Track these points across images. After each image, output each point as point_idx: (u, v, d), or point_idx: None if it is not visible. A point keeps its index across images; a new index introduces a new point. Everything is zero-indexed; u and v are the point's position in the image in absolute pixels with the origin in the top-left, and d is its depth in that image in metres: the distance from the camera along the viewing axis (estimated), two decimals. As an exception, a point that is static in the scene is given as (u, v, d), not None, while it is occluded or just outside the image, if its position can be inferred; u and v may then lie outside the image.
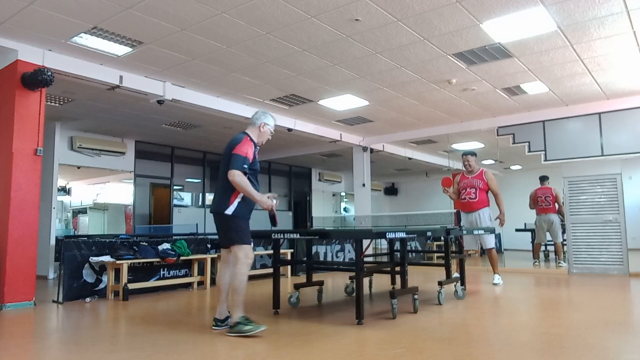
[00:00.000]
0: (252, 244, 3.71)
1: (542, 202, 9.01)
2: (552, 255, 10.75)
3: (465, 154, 6.50)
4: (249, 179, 3.55)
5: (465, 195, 6.34)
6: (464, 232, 5.43)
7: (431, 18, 4.76)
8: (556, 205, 8.97)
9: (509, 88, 7.05)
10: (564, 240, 8.95)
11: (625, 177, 7.78)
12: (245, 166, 3.53)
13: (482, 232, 5.88)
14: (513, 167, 14.23)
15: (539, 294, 5.64)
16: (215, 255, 6.52)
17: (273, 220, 3.78)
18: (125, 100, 7.10)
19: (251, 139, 3.71)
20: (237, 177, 3.46)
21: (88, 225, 10.63)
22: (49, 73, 5.12)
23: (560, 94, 7.38)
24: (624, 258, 7.31)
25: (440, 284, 4.83)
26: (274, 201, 3.69)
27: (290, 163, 13.83)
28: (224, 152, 3.71)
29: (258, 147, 3.80)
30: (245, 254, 3.56)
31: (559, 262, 8.83)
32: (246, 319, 3.49)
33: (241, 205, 3.61)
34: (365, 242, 5.72)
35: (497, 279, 6.29)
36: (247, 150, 3.58)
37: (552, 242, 9.84)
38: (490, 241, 6.25)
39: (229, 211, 3.58)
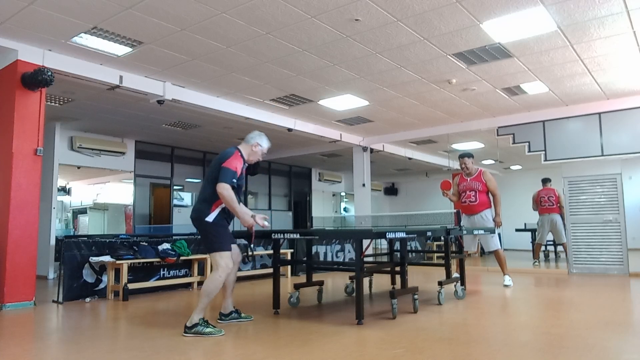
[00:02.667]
0: (232, 247, 3.78)
1: (545, 202, 9.04)
2: (552, 256, 10.77)
3: (462, 156, 6.31)
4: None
5: (465, 199, 6.21)
6: (464, 232, 5.40)
7: (431, 18, 4.76)
8: (560, 207, 9.01)
9: (509, 88, 7.05)
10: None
11: (625, 177, 7.79)
12: (234, 180, 3.65)
13: (481, 231, 5.79)
14: (513, 167, 14.25)
15: (539, 294, 5.64)
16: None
17: (249, 238, 3.90)
18: (125, 100, 7.10)
19: (241, 155, 3.85)
20: (225, 190, 3.58)
21: (88, 225, 10.62)
22: (49, 73, 5.12)
23: (560, 94, 7.38)
24: (624, 258, 7.31)
25: (440, 284, 4.83)
26: (265, 222, 3.83)
27: (290, 163, 13.82)
28: (212, 162, 3.83)
29: (246, 164, 3.95)
30: (226, 263, 3.64)
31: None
32: (205, 322, 3.56)
33: (221, 214, 3.74)
34: (365, 242, 5.72)
35: (508, 280, 6.11)
36: (237, 165, 3.71)
37: (552, 243, 9.82)
38: (493, 243, 6.07)
39: (210, 218, 3.68)
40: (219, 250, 3.65)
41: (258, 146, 3.99)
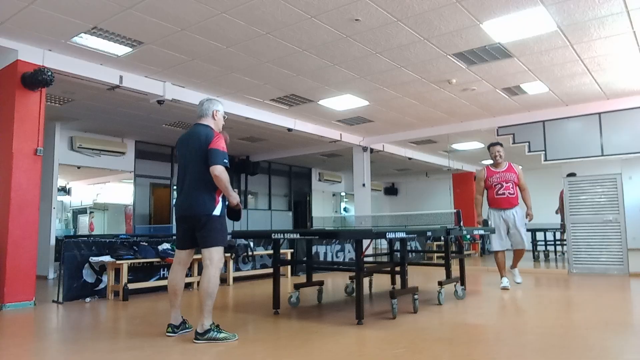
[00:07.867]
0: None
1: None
2: (552, 256, 10.77)
3: (494, 144, 5.92)
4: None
5: (503, 190, 5.75)
6: (468, 232, 5.37)
7: (431, 18, 4.76)
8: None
9: (509, 88, 7.05)
10: (564, 240, 8.98)
11: (625, 177, 7.79)
12: (226, 161, 3.35)
13: (520, 229, 5.74)
14: (513, 167, 14.22)
15: (539, 294, 5.64)
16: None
17: (238, 214, 3.56)
18: (125, 100, 7.10)
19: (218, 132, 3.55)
20: (223, 172, 3.29)
21: (88, 226, 10.62)
22: (49, 73, 5.12)
23: (560, 94, 7.38)
24: (624, 258, 7.30)
25: (440, 284, 4.83)
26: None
27: (290, 163, 13.82)
28: (188, 148, 3.51)
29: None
30: (220, 257, 3.42)
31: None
32: (217, 326, 3.35)
33: (223, 204, 3.45)
34: (365, 242, 5.72)
35: (517, 274, 6.06)
36: (224, 145, 3.42)
37: (552, 242, 9.76)
38: (527, 240, 5.91)
39: (217, 212, 3.38)
40: (217, 245, 3.38)
41: (218, 112, 3.62)
